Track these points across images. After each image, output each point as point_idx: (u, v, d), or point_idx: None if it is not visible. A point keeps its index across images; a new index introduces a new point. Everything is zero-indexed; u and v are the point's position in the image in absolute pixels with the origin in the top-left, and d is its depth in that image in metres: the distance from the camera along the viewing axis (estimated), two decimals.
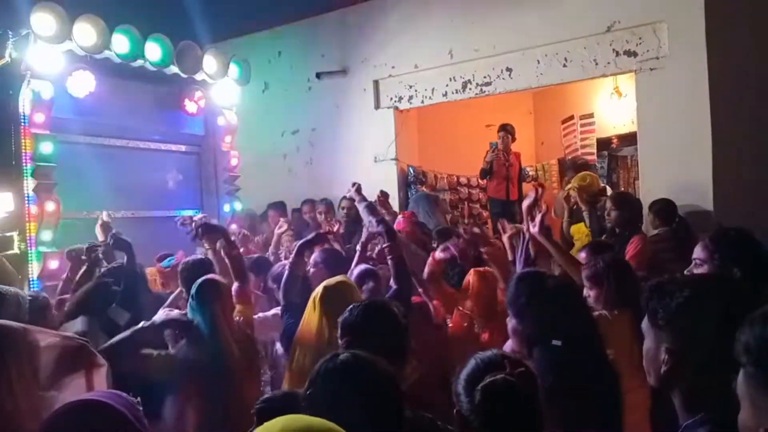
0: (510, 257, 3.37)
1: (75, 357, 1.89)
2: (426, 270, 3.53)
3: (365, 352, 1.58)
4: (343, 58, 7.17)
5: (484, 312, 3.30)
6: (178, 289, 3.50)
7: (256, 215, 6.65)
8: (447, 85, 6.61)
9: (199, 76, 5.59)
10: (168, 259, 4.24)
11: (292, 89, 7.49)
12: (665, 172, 5.27)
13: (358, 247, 3.67)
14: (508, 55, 6.16)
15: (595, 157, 7.76)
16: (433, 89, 6.72)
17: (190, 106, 5.71)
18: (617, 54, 5.61)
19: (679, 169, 5.18)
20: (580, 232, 5.24)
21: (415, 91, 6.83)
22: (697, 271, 2.37)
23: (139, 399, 1.45)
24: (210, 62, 5.61)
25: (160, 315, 2.87)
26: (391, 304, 2.24)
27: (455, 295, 3.52)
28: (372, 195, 4.36)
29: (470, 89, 6.48)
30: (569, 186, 5.58)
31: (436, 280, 3.55)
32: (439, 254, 3.53)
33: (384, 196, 4.99)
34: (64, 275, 3.97)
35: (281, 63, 7.56)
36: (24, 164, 4.35)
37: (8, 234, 4.26)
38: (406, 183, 7.02)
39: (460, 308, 3.39)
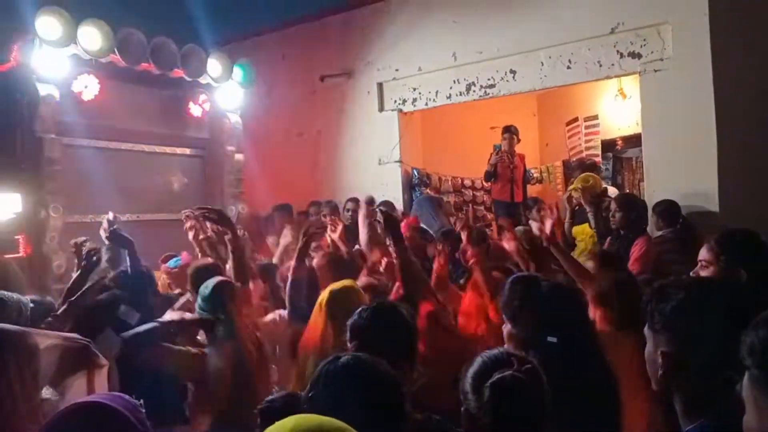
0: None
1: (77, 358, 1.90)
2: (433, 275, 3.51)
3: (374, 354, 1.57)
4: (347, 61, 7.18)
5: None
6: (186, 294, 3.48)
7: (261, 218, 6.66)
8: (451, 88, 6.60)
9: (203, 80, 5.62)
10: (174, 259, 4.25)
11: (296, 92, 7.50)
12: (670, 174, 5.25)
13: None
14: (512, 57, 6.15)
15: (599, 158, 7.75)
16: (437, 92, 6.71)
17: (195, 110, 5.74)
18: (621, 56, 5.59)
19: (684, 171, 5.15)
20: (584, 233, 5.22)
21: (419, 93, 6.83)
22: (703, 272, 2.35)
23: (141, 401, 1.44)
24: (214, 65, 5.63)
25: (173, 315, 2.87)
26: (400, 307, 2.22)
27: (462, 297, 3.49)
28: (377, 197, 4.32)
29: (474, 91, 6.47)
30: (571, 187, 5.57)
31: (443, 284, 3.53)
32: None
33: (371, 203, 4.78)
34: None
35: (285, 66, 7.57)
36: (30, 167, 4.37)
37: (15, 237, 4.29)
38: (410, 185, 7.01)
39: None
